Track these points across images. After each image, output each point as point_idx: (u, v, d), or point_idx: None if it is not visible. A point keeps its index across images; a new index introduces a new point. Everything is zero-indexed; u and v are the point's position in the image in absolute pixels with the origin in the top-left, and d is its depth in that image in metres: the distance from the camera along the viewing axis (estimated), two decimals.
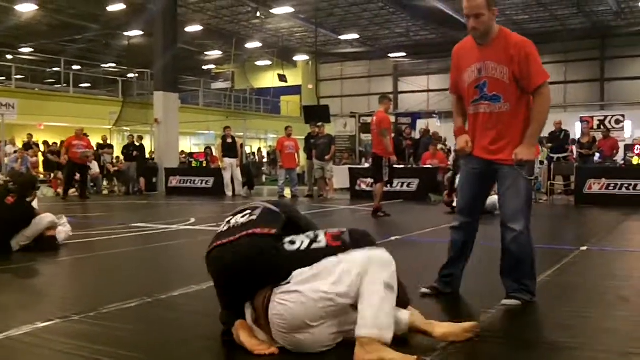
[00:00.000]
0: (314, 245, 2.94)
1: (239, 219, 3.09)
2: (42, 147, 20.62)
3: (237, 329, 2.96)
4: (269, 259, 2.91)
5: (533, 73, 3.74)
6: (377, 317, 2.71)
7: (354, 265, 2.79)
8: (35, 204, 6.89)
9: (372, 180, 12.40)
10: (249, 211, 3.13)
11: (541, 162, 14.57)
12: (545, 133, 14.89)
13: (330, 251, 2.90)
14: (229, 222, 3.15)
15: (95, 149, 18.55)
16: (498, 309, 3.78)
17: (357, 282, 2.75)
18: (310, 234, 3.02)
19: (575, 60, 32.11)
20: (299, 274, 2.84)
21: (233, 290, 3.04)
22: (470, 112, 4.02)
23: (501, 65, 3.78)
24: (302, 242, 2.95)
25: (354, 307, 2.79)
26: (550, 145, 15.02)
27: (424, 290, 4.13)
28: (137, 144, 19.23)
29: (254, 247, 2.93)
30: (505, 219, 3.89)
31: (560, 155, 15.09)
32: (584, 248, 6.42)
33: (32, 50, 31.52)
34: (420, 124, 22.11)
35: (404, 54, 35.57)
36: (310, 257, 2.90)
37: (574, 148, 16.88)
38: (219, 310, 3.15)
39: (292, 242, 2.95)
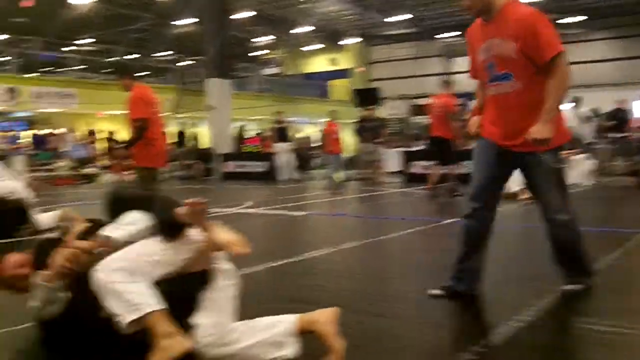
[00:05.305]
0: None
1: None
2: (103, 135, 21.32)
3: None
4: None
5: (542, 46, 3.38)
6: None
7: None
8: None
9: (427, 163, 12.58)
10: None
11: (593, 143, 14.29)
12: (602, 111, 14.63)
13: None
14: None
15: None
16: (556, 294, 3.73)
17: None
18: None
19: (630, 36, 31.14)
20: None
21: None
22: (487, 96, 3.77)
23: (506, 41, 3.46)
24: None
25: None
26: (610, 124, 14.70)
27: (433, 292, 3.80)
28: (193, 130, 19.76)
29: None
30: (546, 213, 3.66)
31: (620, 135, 14.75)
32: None
33: (89, 41, 32.32)
34: (473, 104, 21.89)
35: (453, 34, 35.11)
36: None
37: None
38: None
39: None
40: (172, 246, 2.76)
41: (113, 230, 2.80)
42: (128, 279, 2.57)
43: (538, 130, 3.37)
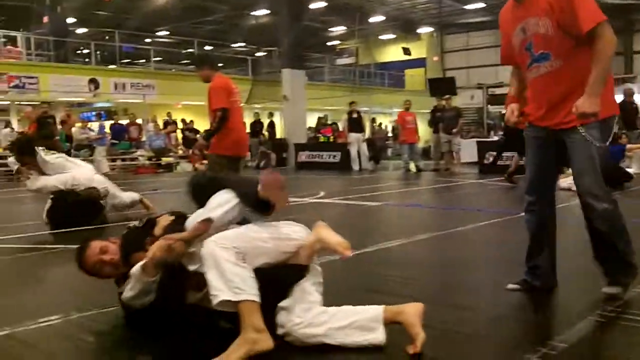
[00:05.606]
0: None
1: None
2: (180, 125, 21.84)
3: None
4: None
5: (581, 18, 3.13)
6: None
7: None
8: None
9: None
10: None
11: None
12: None
13: None
14: None
15: None
16: (637, 291, 3.52)
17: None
18: None
19: None
20: None
21: None
22: (528, 80, 3.54)
23: (542, 19, 3.27)
24: None
25: None
26: None
27: (511, 286, 3.68)
28: (268, 120, 20.10)
29: None
30: (583, 197, 3.36)
31: None
32: None
33: (167, 33, 33.14)
34: None
35: None
36: None
37: None
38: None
39: None
40: (278, 239, 2.88)
41: (210, 212, 2.89)
42: (237, 260, 2.66)
43: (583, 104, 3.12)
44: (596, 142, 3.25)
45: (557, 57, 3.29)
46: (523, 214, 3.69)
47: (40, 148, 7.29)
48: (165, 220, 3.18)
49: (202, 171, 3.59)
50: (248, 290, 2.62)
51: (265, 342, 2.59)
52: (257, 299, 2.63)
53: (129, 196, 7.73)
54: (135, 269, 2.95)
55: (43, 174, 7.17)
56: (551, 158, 3.52)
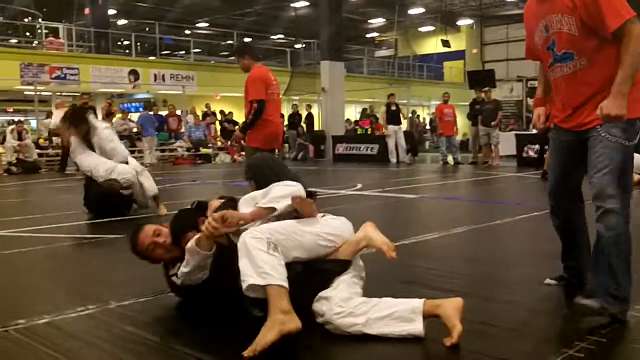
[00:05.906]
0: None
1: None
2: (218, 116, 22.01)
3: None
4: None
5: (606, 15, 2.93)
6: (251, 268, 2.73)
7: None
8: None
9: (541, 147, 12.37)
10: None
11: None
12: None
13: None
14: None
15: None
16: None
17: None
18: None
19: None
20: None
21: None
22: (550, 80, 3.39)
23: (565, 16, 3.08)
24: None
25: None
26: None
27: (549, 281, 3.65)
28: (306, 112, 20.14)
29: None
30: (593, 195, 3.08)
31: None
32: None
33: (207, 25, 33.38)
34: None
35: None
36: None
37: None
38: None
39: None
40: (318, 234, 2.99)
41: (275, 202, 3.00)
42: (267, 249, 2.74)
43: (608, 105, 2.91)
44: (621, 140, 3.02)
45: (581, 56, 3.11)
46: None
47: (92, 115, 7.42)
48: (216, 203, 3.28)
49: (265, 155, 3.69)
50: (276, 276, 2.69)
51: (293, 322, 2.63)
52: (284, 284, 2.69)
53: (151, 187, 7.35)
54: (190, 243, 3.05)
55: (88, 145, 7.13)
56: (576, 160, 3.32)
